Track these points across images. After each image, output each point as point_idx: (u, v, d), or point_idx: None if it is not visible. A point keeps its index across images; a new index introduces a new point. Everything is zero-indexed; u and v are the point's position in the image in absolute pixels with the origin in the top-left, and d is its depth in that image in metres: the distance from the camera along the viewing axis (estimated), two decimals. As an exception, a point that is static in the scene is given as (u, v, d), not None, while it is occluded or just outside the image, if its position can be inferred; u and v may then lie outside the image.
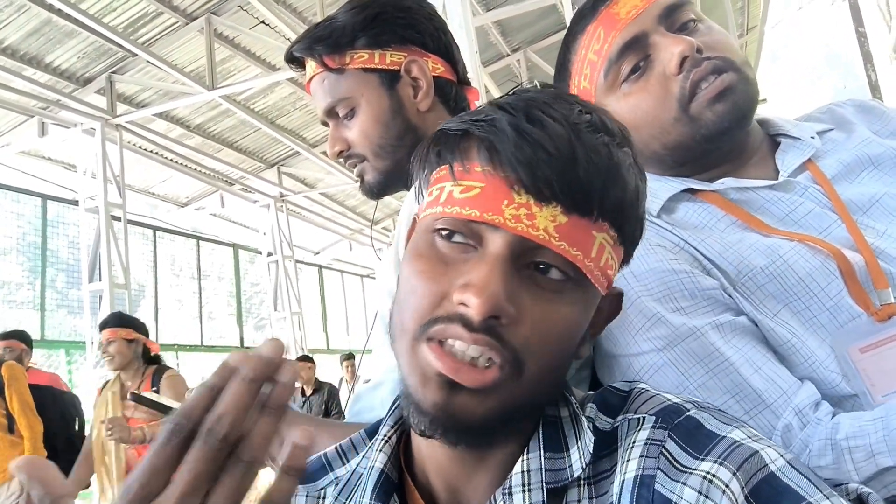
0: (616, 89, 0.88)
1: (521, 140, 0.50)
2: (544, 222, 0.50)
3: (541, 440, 0.55)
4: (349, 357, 7.32)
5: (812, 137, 0.89)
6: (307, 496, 0.64)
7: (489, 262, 0.50)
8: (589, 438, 0.53)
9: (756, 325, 0.79)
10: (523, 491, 0.52)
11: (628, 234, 0.56)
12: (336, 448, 0.66)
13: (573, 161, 0.50)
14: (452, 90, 1.10)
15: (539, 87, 0.58)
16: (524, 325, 0.51)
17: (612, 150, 0.53)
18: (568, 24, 0.96)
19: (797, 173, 0.87)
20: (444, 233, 0.54)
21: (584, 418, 0.55)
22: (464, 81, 1.13)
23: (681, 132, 0.86)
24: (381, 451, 0.59)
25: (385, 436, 0.61)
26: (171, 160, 8.06)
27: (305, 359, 6.70)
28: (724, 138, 0.85)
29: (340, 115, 1.06)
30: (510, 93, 0.57)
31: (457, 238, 0.53)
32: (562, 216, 0.51)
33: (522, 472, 0.53)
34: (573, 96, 0.57)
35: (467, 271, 0.51)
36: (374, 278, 13.77)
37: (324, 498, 0.63)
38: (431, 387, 0.51)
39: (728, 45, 0.86)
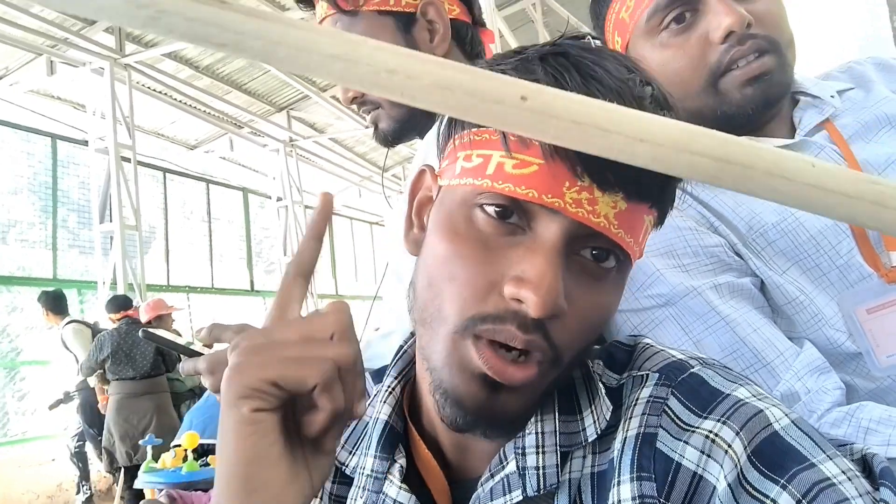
0: (654, 36, 0.85)
1: None
2: (605, 208, 0.47)
3: (556, 402, 0.54)
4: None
5: (832, 97, 0.87)
6: None
7: (545, 253, 0.46)
8: (607, 407, 0.52)
9: (763, 283, 0.79)
10: (537, 453, 0.52)
11: (665, 216, 0.54)
12: None
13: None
14: (468, 33, 1.06)
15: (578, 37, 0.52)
16: (571, 319, 0.48)
17: None
18: None
19: (814, 132, 0.85)
20: (491, 210, 0.49)
21: (600, 384, 0.54)
22: (479, 23, 1.09)
23: (704, 103, 0.84)
24: (385, 402, 0.59)
25: (389, 387, 0.60)
26: (181, 102, 7.99)
27: None
28: (743, 120, 0.84)
29: None
30: (553, 44, 0.51)
31: (504, 218, 0.49)
32: (622, 202, 0.48)
33: (536, 433, 0.52)
34: (622, 55, 0.51)
35: (517, 260, 0.47)
36: (382, 225, 13.77)
37: None
38: (475, 385, 0.49)
39: (779, 17, 0.83)
